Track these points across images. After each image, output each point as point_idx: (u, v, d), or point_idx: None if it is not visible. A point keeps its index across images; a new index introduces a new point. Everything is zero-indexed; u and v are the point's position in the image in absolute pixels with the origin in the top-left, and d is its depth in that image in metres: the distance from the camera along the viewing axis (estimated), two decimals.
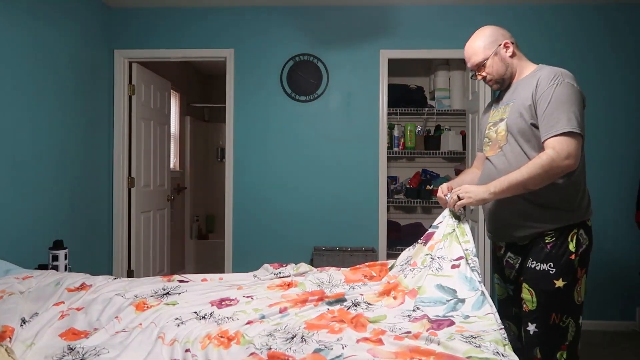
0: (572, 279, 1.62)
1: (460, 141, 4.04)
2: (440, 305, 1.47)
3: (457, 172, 4.26)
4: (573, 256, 1.62)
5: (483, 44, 1.77)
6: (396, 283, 1.66)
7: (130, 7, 3.70)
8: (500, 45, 1.75)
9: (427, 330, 1.33)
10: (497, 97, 1.91)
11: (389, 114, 3.85)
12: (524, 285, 1.68)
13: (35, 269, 2.32)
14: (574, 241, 1.62)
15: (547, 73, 1.64)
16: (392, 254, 4.01)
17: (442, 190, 1.84)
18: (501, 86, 1.81)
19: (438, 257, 1.63)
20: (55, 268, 2.49)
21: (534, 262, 1.66)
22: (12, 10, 2.57)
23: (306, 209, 3.69)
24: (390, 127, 4.10)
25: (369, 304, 1.57)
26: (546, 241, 1.65)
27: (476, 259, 1.59)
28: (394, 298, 1.60)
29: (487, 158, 1.83)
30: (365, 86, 3.68)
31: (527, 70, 1.76)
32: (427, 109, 4.11)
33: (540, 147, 1.63)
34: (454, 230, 1.69)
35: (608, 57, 3.54)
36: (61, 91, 3.03)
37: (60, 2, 3.02)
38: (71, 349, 1.33)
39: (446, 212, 1.77)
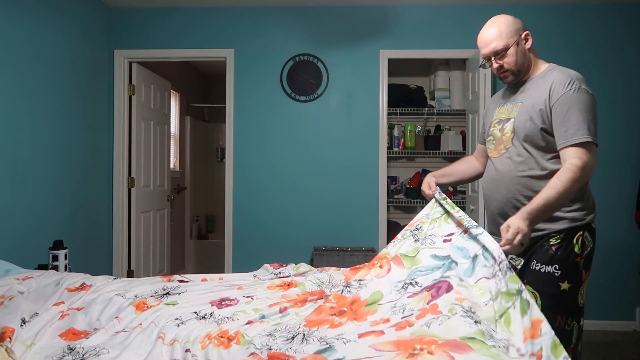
0: (576, 281, 1.59)
1: (460, 141, 4.04)
2: (437, 271, 1.50)
3: None
4: (579, 258, 1.59)
5: (506, 31, 1.65)
6: (378, 255, 1.73)
7: (130, 7, 3.70)
8: (521, 35, 1.67)
9: (427, 303, 1.32)
10: (504, 92, 1.85)
11: (389, 114, 3.85)
12: (527, 287, 1.61)
13: (35, 269, 2.32)
14: (579, 243, 1.60)
15: (562, 77, 1.59)
16: None
17: (430, 186, 1.82)
18: (515, 79, 1.71)
19: (430, 235, 1.66)
20: (55, 268, 2.49)
21: (538, 264, 1.62)
22: (12, 10, 2.57)
23: (306, 209, 3.69)
24: (390, 127, 4.10)
25: (359, 280, 1.60)
26: (551, 243, 1.61)
27: (473, 222, 1.54)
28: (380, 267, 1.64)
29: (489, 158, 1.80)
30: (365, 86, 3.68)
31: (539, 69, 1.71)
32: (427, 109, 4.11)
33: (550, 152, 1.61)
34: (442, 215, 1.70)
35: (607, 57, 3.54)
36: (61, 91, 3.03)
37: (60, 2, 3.02)
38: (71, 349, 1.33)
39: (431, 203, 1.79)
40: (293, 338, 1.31)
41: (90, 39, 3.43)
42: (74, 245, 3.04)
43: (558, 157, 1.61)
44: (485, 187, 1.82)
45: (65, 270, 2.54)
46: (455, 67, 4.08)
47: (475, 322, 1.18)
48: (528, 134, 1.62)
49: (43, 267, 2.48)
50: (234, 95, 3.72)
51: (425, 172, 4.26)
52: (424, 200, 4.02)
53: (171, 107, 4.61)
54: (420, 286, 1.45)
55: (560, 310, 1.59)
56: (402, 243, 1.69)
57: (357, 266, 1.91)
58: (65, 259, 2.55)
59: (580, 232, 1.61)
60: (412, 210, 4.37)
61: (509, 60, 1.66)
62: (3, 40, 2.51)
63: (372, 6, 3.64)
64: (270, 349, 1.25)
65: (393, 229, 4.06)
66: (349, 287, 1.58)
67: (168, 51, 3.73)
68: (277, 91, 3.70)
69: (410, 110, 4.08)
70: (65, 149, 3.07)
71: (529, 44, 1.68)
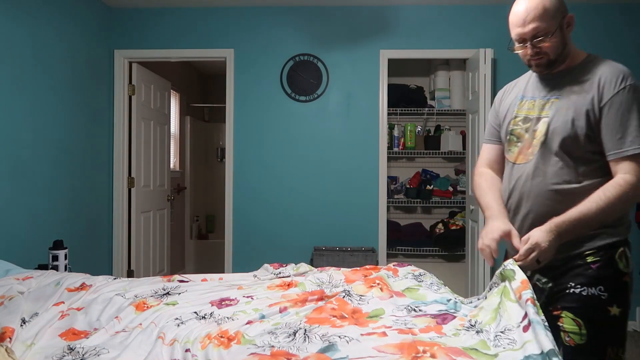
0: (626, 304, 1.33)
1: (460, 141, 4.05)
2: (441, 305, 1.45)
3: (457, 172, 4.26)
4: (627, 277, 1.34)
5: (552, 9, 1.33)
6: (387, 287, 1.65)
7: (130, 7, 3.70)
8: (564, 18, 1.37)
9: (432, 325, 1.33)
10: (527, 83, 1.52)
11: (389, 114, 3.85)
12: (566, 314, 1.34)
13: (35, 269, 2.31)
14: (624, 260, 1.35)
15: (611, 71, 1.35)
16: (392, 254, 4.02)
17: (494, 238, 1.38)
18: (547, 70, 1.41)
19: (501, 332, 1.16)
20: (55, 268, 2.49)
21: (578, 286, 1.34)
22: (12, 10, 2.57)
23: (306, 209, 3.69)
24: (390, 127, 4.10)
25: (360, 295, 1.58)
26: (588, 260, 1.34)
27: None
28: (381, 290, 1.59)
29: (510, 163, 1.49)
30: (365, 86, 3.68)
31: (575, 59, 1.42)
32: (427, 109, 4.11)
33: (585, 164, 1.35)
34: (501, 295, 1.27)
35: (608, 57, 3.53)
36: (61, 91, 3.03)
37: (60, 2, 3.02)
38: (71, 349, 1.33)
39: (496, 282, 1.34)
40: (294, 334, 1.30)
41: (90, 39, 3.43)
42: (74, 245, 3.04)
43: (594, 169, 1.35)
44: (504, 197, 1.52)
45: (65, 270, 2.54)
46: (455, 67, 4.08)
47: (477, 332, 1.19)
48: (567, 138, 1.34)
49: (43, 267, 2.48)
50: (234, 95, 3.72)
51: (425, 172, 4.26)
52: (424, 200, 4.07)
53: (171, 107, 4.61)
54: (425, 312, 1.44)
55: (610, 340, 1.32)
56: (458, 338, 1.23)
57: (357, 269, 1.90)
58: (65, 259, 2.55)
59: (622, 249, 1.35)
60: (412, 210, 4.37)
61: (549, 46, 1.35)
62: (3, 40, 2.51)
63: (372, 6, 3.64)
64: (273, 346, 1.25)
65: (393, 229, 4.07)
66: (350, 295, 1.56)
67: (168, 51, 3.73)
68: (277, 91, 3.71)
69: (410, 110, 4.08)
70: (65, 149, 3.07)
71: (570, 29, 1.40)
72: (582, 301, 1.33)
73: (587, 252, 1.35)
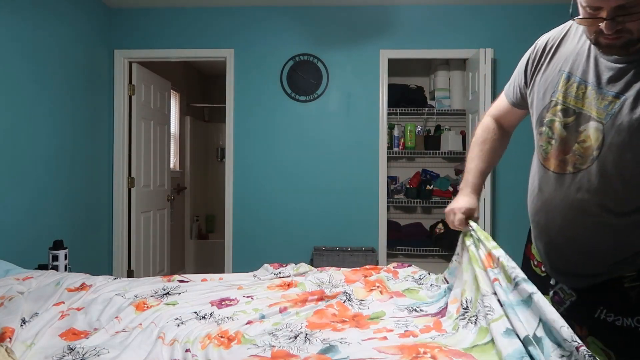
0: None
1: (460, 141, 4.04)
2: (442, 299, 1.47)
3: (457, 172, 4.26)
4: None
5: None
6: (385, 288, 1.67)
7: (130, 7, 3.70)
8: None
9: (432, 323, 1.33)
10: (577, 55, 1.07)
11: (389, 114, 3.85)
12: (593, 340, 1.10)
13: (35, 269, 2.31)
14: None
15: None
16: (392, 254, 4.02)
17: (461, 220, 1.31)
18: (619, 53, 0.98)
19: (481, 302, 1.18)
20: (55, 268, 2.49)
21: (611, 314, 1.07)
22: (11, 10, 2.57)
23: (306, 208, 3.69)
24: (390, 127, 4.10)
25: (361, 300, 1.58)
26: (626, 285, 1.05)
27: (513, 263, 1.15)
28: (381, 293, 1.60)
29: (540, 164, 1.15)
30: (365, 86, 3.69)
31: None
32: (427, 109, 4.11)
33: None
34: (471, 263, 1.30)
35: None
36: (61, 91, 3.03)
37: (59, 2, 3.02)
38: (71, 349, 1.33)
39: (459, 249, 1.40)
40: (295, 337, 1.31)
41: (91, 39, 3.43)
42: (74, 245, 3.04)
43: None
44: (531, 207, 1.22)
45: (65, 270, 2.54)
46: (455, 67, 4.08)
47: (475, 322, 1.18)
48: (629, 158, 0.97)
49: (43, 267, 2.48)
50: (234, 95, 3.72)
51: (425, 172, 4.26)
52: (424, 200, 4.06)
53: (171, 107, 4.61)
54: (426, 312, 1.45)
55: None
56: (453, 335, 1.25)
57: (357, 269, 1.90)
58: (65, 259, 2.54)
59: None
60: (412, 210, 4.37)
61: (637, 24, 0.92)
62: (2, 40, 2.51)
63: (372, 6, 3.64)
64: (273, 347, 1.25)
65: (393, 229, 4.07)
66: (350, 300, 1.56)
67: (168, 51, 3.73)
68: (277, 91, 3.71)
69: (410, 110, 4.08)
70: (65, 149, 3.07)
71: None
72: (615, 333, 1.05)
73: (626, 275, 1.06)
